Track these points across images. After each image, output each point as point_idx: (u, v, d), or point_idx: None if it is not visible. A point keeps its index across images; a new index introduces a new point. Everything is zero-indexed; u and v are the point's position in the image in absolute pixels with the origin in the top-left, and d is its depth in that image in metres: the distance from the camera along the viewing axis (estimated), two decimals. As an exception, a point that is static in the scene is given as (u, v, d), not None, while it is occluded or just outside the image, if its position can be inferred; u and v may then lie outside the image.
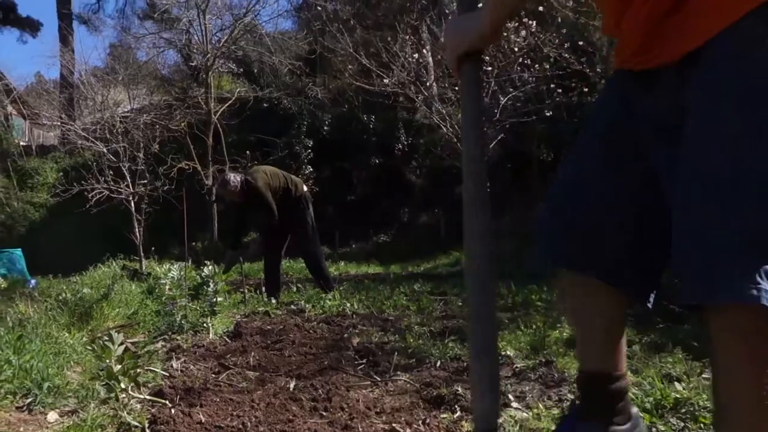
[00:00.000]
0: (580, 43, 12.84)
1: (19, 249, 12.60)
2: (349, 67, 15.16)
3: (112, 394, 2.57)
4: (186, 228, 6.71)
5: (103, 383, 2.55)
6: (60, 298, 5.26)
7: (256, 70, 18.13)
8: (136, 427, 2.38)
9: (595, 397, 1.54)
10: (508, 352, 3.47)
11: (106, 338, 2.60)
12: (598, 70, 13.39)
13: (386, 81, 12.89)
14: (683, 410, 2.28)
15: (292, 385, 2.93)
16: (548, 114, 12.49)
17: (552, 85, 12.39)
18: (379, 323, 4.77)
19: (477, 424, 1.27)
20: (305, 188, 6.65)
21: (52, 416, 2.60)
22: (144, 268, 9.34)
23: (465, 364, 3.28)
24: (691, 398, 2.33)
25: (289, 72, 17.54)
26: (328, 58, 16.71)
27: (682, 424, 2.20)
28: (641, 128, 1.34)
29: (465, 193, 1.35)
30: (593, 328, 1.57)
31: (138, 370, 2.74)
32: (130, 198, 10.17)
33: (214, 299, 4.84)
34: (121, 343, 2.67)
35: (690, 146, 1.14)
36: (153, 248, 10.66)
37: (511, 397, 2.67)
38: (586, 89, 13.01)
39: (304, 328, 4.52)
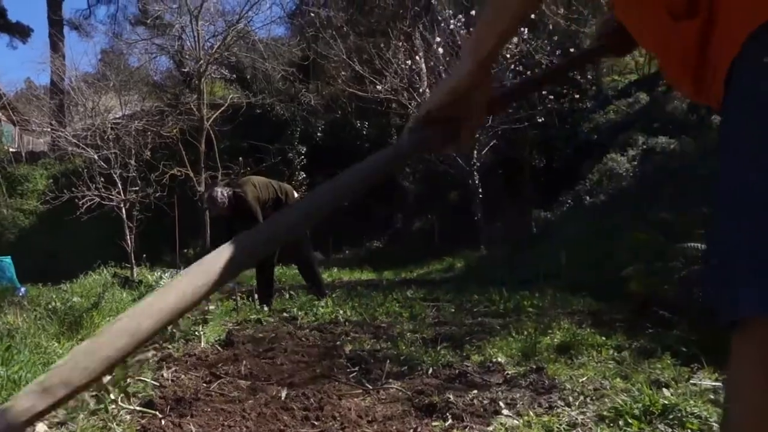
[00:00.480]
0: (572, 50, 12.89)
1: (9, 256, 12.51)
2: (342, 73, 15.21)
3: (102, 406, 2.55)
4: (178, 235, 6.70)
5: (93, 394, 2.54)
6: (49, 306, 5.23)
7: (248, 76, 18.14)
8: (126, 437, 2.38)
9: None
10: (500, 359, 3.48)
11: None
12: (589, 77, 13.48)
13: (379, 87, 12.95)
14: (671, 416, 2.29)
15: (283, 394, 2.92)
16: (540, 120, 12.56)
17: (544, 92, 12.46)
18: (372, 330, 4.77)
19: None
20: (297, 195, 6.65)
21: (41, 428, 2.58)
22: (135, 275, 9.30)
23: (457, 371, 3.29)
24: (679, 404, 2.34)
25: (282, 78, 17.56)
26: (321, 64, 16.75)
27: (670, 431, 2.21)
28: None
29: None
30: None
31: (128, 381, 2.72)
32: (122, 205, 10.14)
33: (206, 307, 4.83)
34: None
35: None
36: (145, 255, 10.63)
37: (501, 404, 2.68)
38: (577, 96, 13.11)
39: (296, 336, 4.51)
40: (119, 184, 10.26)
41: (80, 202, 10.22)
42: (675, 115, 12.14)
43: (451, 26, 12.30)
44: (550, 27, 13.13)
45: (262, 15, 27.52)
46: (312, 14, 17.05)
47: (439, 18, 13.32)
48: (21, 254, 14.42)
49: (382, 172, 1.16)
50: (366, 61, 13.52)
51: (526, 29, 12.05)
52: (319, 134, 17.25)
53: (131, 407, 2.68)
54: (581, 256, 7.19)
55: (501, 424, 2.42)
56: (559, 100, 13.01)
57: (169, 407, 2.73)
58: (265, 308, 6.00)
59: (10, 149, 21.76)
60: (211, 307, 4.89)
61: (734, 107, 1.10)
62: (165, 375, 3.36)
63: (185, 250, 14.04)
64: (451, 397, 2.75)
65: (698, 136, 10.12)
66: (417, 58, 13.27)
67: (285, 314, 5.74)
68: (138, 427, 2.46)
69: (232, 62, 17.00)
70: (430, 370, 3.32)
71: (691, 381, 2.81)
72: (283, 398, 2.88)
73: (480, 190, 12.05)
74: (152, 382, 3.19)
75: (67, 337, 4.46)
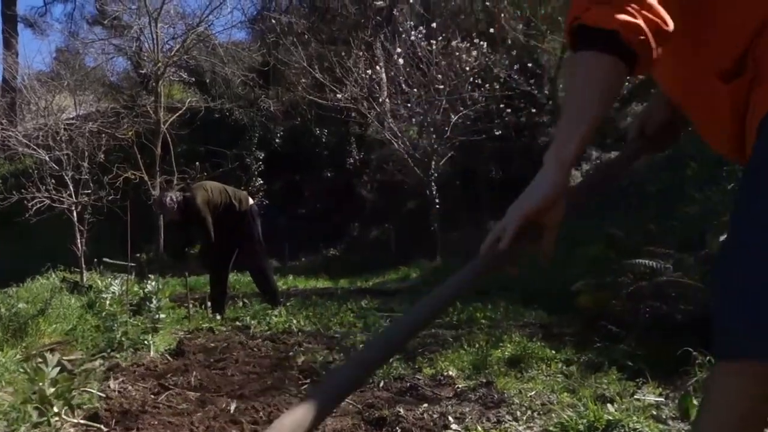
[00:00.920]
0: (529, 65, 13.18)
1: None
2: (303, 80, 15.17)
3: (44, 419, 2.49)
4: (130, 239, 6.58)
5: (35, 407, 2.48)
6: (-7, 312, 5.07)
7: (208, 80, 17.92)
8: (69, 451, 2.32)
9: None
10: (451, 372, 3.52)
11: (40, 359, 2.53)
12: (546, 92, 13.73)
13: (339, 96, 12.96)
14: (615, 432, 2.35)
15: (233, 407, 2.90)
16: (498, 133, 12.72)
17: (501, 105, 12.65)
18: (325, 341, 4.76)
19: None
20: (252, 202, 6.60)
21: (-19, 441, 2.51)
22: (85, 280, 9.08)
23: (408, 384, 3.31)
24: (623, 420, 2.40)
25: (242, 83, 17.39)
26: (282, 70, 16.66)
27: (614, 447, 2.27)
28: None
29: None
30: None
31: (73, 393, 2.66)
32: (73, 208, 9.89)
33: (157, 315, 4.75)
34: (57, 364, 2.60)
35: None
36: (95, 260, 10.37)
37: (450, 418, 2.71)
38: (534, 110, 13.34)
39: (248, 346, 4.47)
40: (71, 187, 10.01)
41: (29, 204, 9.93)
42: (628, 131, 12.43)
43: (412, 38, 12.39)
44: (509, 42, 13.35)
45: (223, 19, 27.34)
46: (273, 20, 16.94)
47: (401, 29, 13.42)
48: (-35, 256, 13.96)
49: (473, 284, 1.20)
50: (327, 69, 13.52)
51: (485, 43, 12.23)
52: (277, 140, 17.14)
53: (75, 420, 2.62)
54: (534, 268, 7.30)
55: (449, 438, 2.45)
56: (516, 114, 13.21)
57: (114, 420, 2.68)
58: (218, 317, 5.93)
59: (-43, 147, 21.03)
60: (162, 316, 4.81)
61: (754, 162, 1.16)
62: (112, 386, 3.29)
63: (138, 255, 13.76)
64: (401, 410, 2.77)
65: (649, 153, 10.37)
66: (377, 68, 13.34)
67: (238, 323, 5.68)
68: (81, 441, 2.41)
69: (192, 65, 16.76)
70: (382, 383, 3.34)
71: (635, 396, 2.89)
72: (232, 411, 2.85)
73: (437, 201, 12.14)
74: (98, 393, 3.12)
75: (11, 344, 4.33)
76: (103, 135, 12.73)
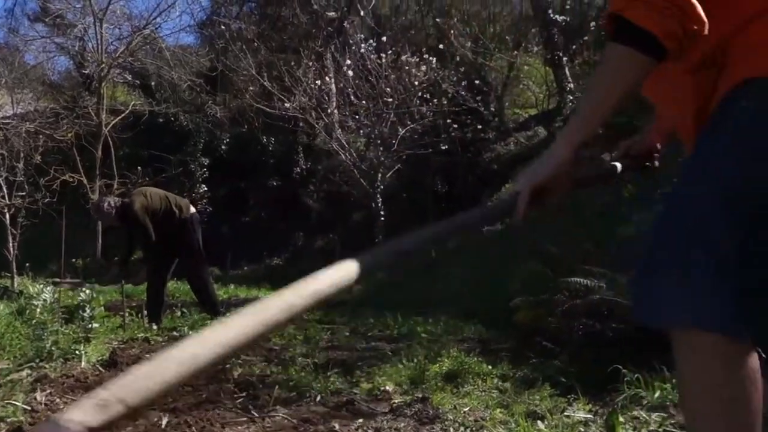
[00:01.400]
0: (477, 81, 13.42)
1: None
2: (251, 87, 15.05)
3: (-38, 433, 2.39)
4: (64, 243, 6.40)
5: (-47, 420, 2.38)
6: None
7: (153, 84, 17.61)
8: (-12, 468, 2.24)
9: None
10: (388, 387, 3.53)
11: (-40, 371, 2.43)
12: (492, 108, 14.01)
13: (287, 105, 12.91)
14: (543, 450, 2.40)
15: (164, 422, 2.84)
16: (444, 148, 12.88)
17: (448, 120, 12.82)
18: (264, 353, 4.71)
19: None
20: (193, 210, 6.50)
21: None
22: (16, 285, 8.76)
23: (345, 398, 3.31)
24: (552, 437, 2.46)
25: (189, 88, 17.16)
26: (230, 77, 16.51)
27: (542, 464, 2.32)
28: None
29: None
30: None
31: (-6, 405, 2.56)
32: (6, 210, 9.56)
33: (90, 324, 4.61)
34: (-22, 375, 2.50)
35: None
36: (28, 264, 10.03)
37: (385, 435, 2.72)
38: (480, 126, 13.57)
39: (184, 358, 4.38)
40: (4, 188, 9.68)
41: (-42, 205, 9.55)
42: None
43: (362, 50, 12.46)
44: (458, 58, 13.58)
45: (171, 22, 26.97)
46: (223, 26, 16.81)
47: (351, 41, 13.49)
48: None
49: (485, 223, 1.59)
50: (275, 77, 13.44)
51: (435, 58, 12.40)
52: (223, 147, 16.95)
53: (-4, 434, 2.52)
54: (475, 283, 7.40)
55: (383, 454, 2.46)
56: (462, 129, 13.41)
57: (38, 435, 2.59)
58: (154, 326, 5.81)
59: None
60: (95, 325, 4.68)
61: (710, 130, 1.24)
62: (38, 398, 3.18)
63: (74, 260, 13.36)
64: (336, 426, 2.77)
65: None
66: (327, 78, 13.36)
67: (175, 333, 5.57)
68: (1, 457, 2.32)
69: (137, 68, 16.46)
70: (319, 398, 3.32)
71: (565, 413, 2.95)
72: (163, 426, 2.79)
73: (382, 213, 12.18)
74: (23, 406, 3.01)
75: (-67, 353, 4.14)
76: (41, 135, 12.39)
